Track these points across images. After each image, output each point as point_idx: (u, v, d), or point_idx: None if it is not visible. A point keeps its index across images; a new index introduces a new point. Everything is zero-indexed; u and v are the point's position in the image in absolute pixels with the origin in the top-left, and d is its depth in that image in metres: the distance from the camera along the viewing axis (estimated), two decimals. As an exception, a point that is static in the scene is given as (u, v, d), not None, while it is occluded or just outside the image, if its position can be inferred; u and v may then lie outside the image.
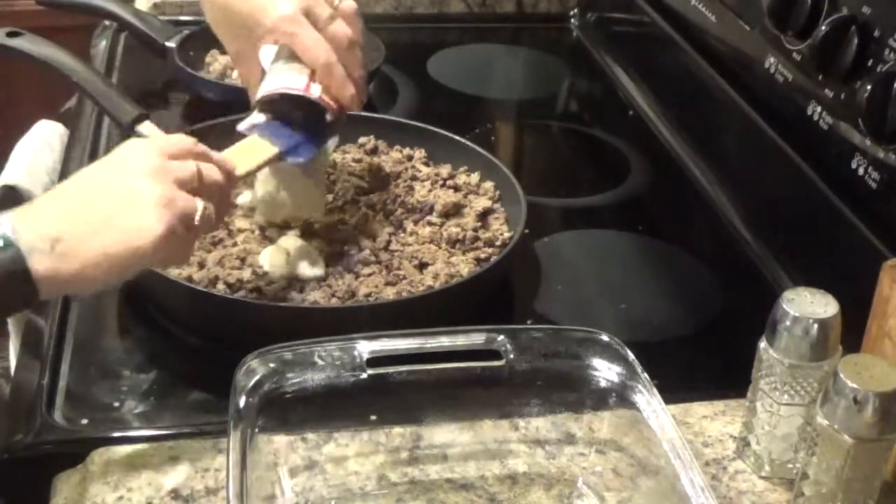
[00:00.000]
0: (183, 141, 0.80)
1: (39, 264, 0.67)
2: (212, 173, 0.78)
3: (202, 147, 0.81)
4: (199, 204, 0.75)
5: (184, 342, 0.91)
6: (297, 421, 0.74)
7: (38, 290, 0.68)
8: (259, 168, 0.91)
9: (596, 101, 1.48)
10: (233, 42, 1.00)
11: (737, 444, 0.79)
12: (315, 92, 0.93)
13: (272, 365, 0.71)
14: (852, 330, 0.74)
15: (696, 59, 1.23)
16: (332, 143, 1.00)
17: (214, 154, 0.82)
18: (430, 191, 1.07)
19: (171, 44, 1.30)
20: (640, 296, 1.02)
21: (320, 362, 0.72)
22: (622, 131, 1.34)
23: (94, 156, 1.15)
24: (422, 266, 0.96)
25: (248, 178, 1.07)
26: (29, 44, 1.08)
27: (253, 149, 0.91)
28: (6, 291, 0.67)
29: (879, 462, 0.69)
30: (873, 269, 0.74)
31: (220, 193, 0.80)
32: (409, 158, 1.13)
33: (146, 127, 1.01)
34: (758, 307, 0.77)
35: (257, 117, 0.93)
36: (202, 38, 1.34)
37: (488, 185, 1.08)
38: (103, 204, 0.72)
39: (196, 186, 0.76)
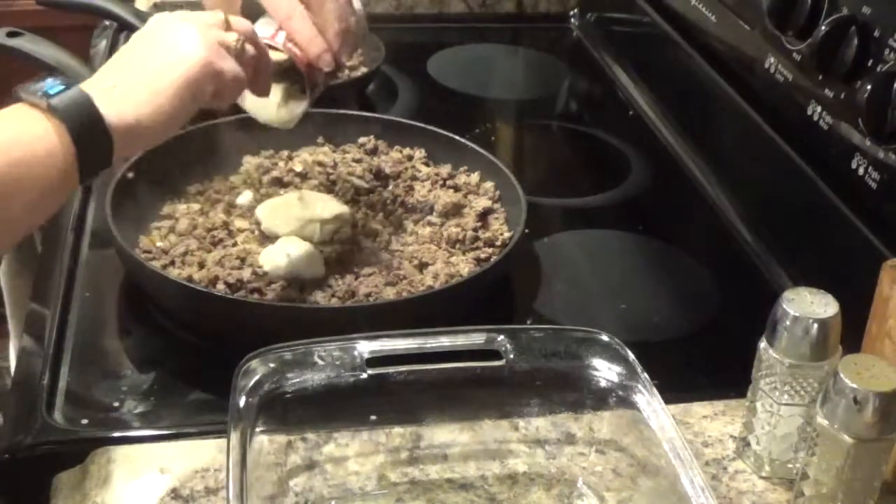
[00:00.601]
0: (210, 11, 0.82)
1: (104, 107, 0.70)
2: (239, 21, 0.82)
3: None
4: (233, 35, 0.79)
5: (184, 342, 0.91)
6: (297, 421, 0.74)
7: (112, 137, 0.70)
8: (275, 66, 0.91)
9: (596, 101, 1.49)
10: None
11: (737, 444, 0.79)
12: (279, 39, 0.92)
13: (272, 365, 0.71)
14: (852, 330, 0.74)
15: (696, 59, 1.23)
16: (303, 104, 0.98)
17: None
18: (430, 191, 1.07)
19: (171, 44, 1.30)
20: (640, 296, 1.02)
21: (320, 362, 0.72)
22: (622, 131, 1.34)
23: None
24: (422, 266, 0.96)
25: (250, 180, 1.08)
26: (29, 44, 1.09)
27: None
28: (85, 137, 0.69)
29: (879, 462, 0.69)
30: (873, 269, 0.74)
31: (252, 39, 0.82)
32: (409, 158, 1.13)
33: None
34: (758, 307, 0.77)
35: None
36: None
37: (488, 185, 1.08)
38: (145, 52, 0.75)
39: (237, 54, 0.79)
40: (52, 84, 0.69)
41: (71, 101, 0.68)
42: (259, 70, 0.84)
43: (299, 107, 0.97)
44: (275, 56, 0.90)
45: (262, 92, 0.87)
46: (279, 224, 0.98)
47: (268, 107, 0.96)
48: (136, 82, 0.73)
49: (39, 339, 0.89)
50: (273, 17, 0.92)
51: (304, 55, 0.92)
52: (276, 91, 0.94)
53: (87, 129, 0.69)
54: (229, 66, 0.78)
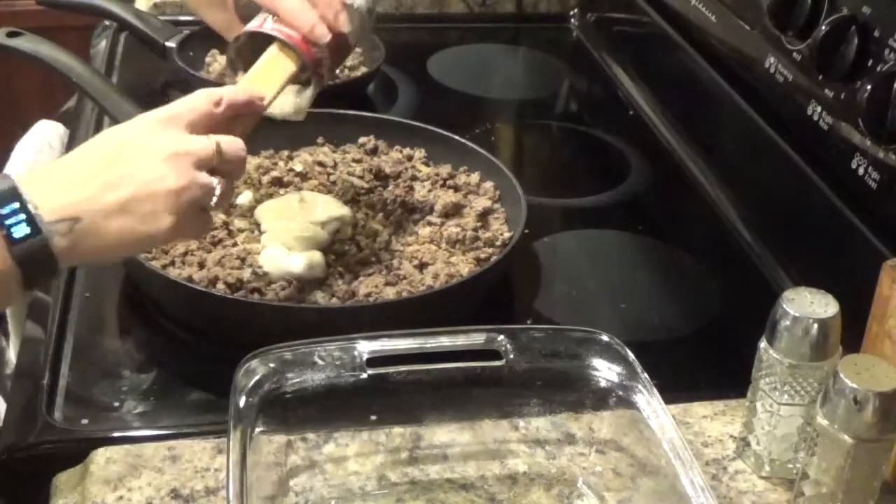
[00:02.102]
0: (201, 104, 0.79)
1: (59, 244, 0.70)
2: (231, 149, 0.79)
3: (224, 99, 0.80)
4: (217, 186, 0.77)
5: (184, 342, 0.91)
6: (297, 421, 0.74)
7: (58, 263, 0.71)
8: (283, 87, 0.90)
9: (596, 101, 1.48)
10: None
11: (737, 444, 0.79)
12: (268, 25, 0.90)
13: (272, 365, 0.71)
14: (852, 330, 0.74)
15: (696, 59, 1.23)
16: (308, 92, 0.96)
17: (240, 93, 0.82)
18: (430, 191, 1.07)
19: (171, 44, 1.30)
20: (640, 296, 1.02)
21: (320, 362, 0.72)
22: (622, 131, 1.34)
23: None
24: (422, 266, 0.96)
25: (250, 180, 1.08)
26: (29, 44, 1.09)
27: (275, 62, 0.90)
28: (31, 267, 0.70)
29: (879, 462, 0.69)
30: (873, 269, 0.74)
31: (239, 165, 0.80)
32: (409, 158, 1.13)
33: None
34: (758, 307, 0.77)
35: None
36: (202, 38, 1.34)
37: (488, 185, 1.08)
38: (121, 188, 0.73)
39: (217, 163, 0.77)
40: (16, 219, 0.69)
41: (30, 252, 0.69)
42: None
43: (305, 98, 0.96)
44: (287, 70, 0.89)
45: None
46: (279, 225, 0.98)
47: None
48: (99, 224, 0.71)
49: (39, 338, 0.89)
50: (263, 2, 0.91)
51: (297, 34, 0.90)
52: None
53: (35, 263, 0.70)
54: (196, 227, 0.77)
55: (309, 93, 0.95)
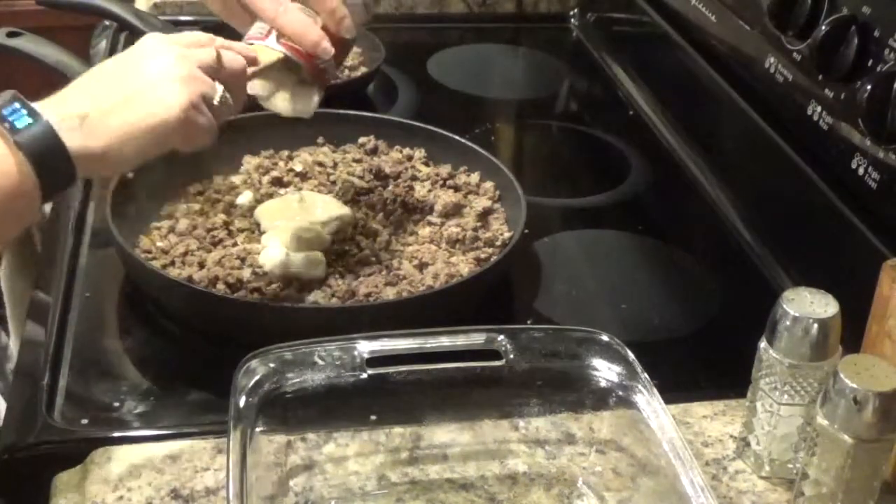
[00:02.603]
0: (201, 34, 0.82)
1: (70, 140, 0.70)
2: (231, 58, 0.81)
3: (221, 39, 0.82)
4: (219, 87, 0.78)
5: (184, 342, 0.91)
6: (297, 421, 0.74)
7: (75, 166, 0.70)
8: (273, 64, 0.90)
9: (596, 101, 1.48)
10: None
11: (737, 444, 0.79)
12: (270, 40, 0.90)
13: (272, 365, 0.71)
14: (852, 330, 0.74)
15: (696, 59, 1.23)
16: (315, 94, 0.96)
17: (235, 44, 0.84)
18: (430, 191, 1.07)
19: (171, 44, 1.30)
20: (640, 296, 1.02)
21: (320, 362, 0.72)
22: (622, 131, 1.34)
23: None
24: (422, 266, 0.96)
25: (250, 180, 1.08)
26: (29, 44, 1.09)
27: (262, 52, 0.90)
28: (48, 170, 0.69)
29: (879, 462, 0.69)
30: (873, 269, 0.74)
31: (239, 80, 0.82)
32: (409, 158, 1.13)
33: None
34: (758, 307, 0.77)
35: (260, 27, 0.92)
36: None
37: (488, 185, 1.08)
38: (126, 84, 0.74)
39: (217, 72, 0.78)
40: (18, 114, 0.69)
41: (36, 139, 0.68)
42: (229, 112, 0.82)
43: (313, 97, 0.96)
44: (272, 56, 0.89)
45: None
46: (279, 225, 0.98)
47: (283, 100, 0.95)
48: (108, 116, 0.72)
49: (39, 339, 0.89)
50: (262, 19, 0.91)
51: (300, 49, 0.90)
52: (289, 84, 0.94)
53: (51, 162, 0.69)
54: (203, 121, 0.77)
55: (316, 94, 0.95)
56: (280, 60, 0.90)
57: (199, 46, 0.80)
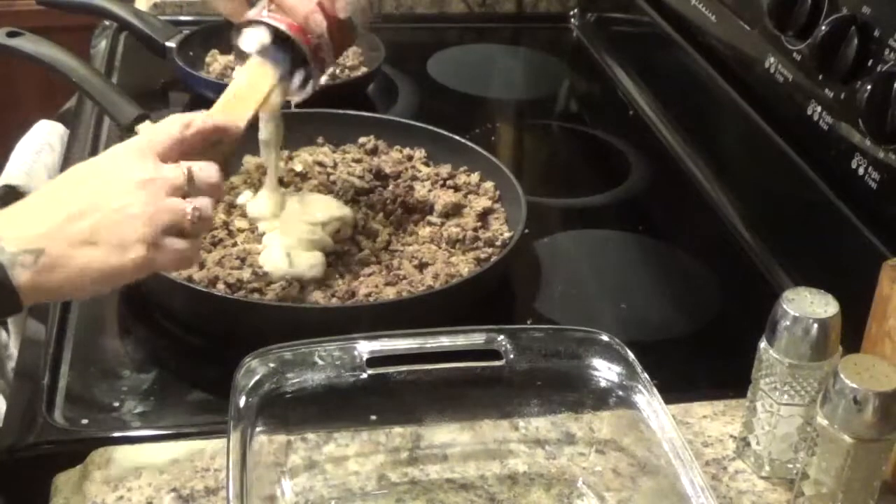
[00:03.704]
0: (171, 130, 0.77)
1: (22, 277, 0.67)
2: (203, 174, 0.76)
3: (194, 124, 0.78)
4: (188, 208, 0.74)
5: (184, 342, 0.91)
6: (297, 421, 0.74)
7: (21, 299, 0.68)
8: (260, 107, 0.89)
9: (596, 101, 1.49)
10: None
11: (737, 444, 0.79)
12: (264, 14, 0.90)
13: (272, 365, 0.71)
14: (852, 330, 0.74)
15: (696, 59, 1.23)
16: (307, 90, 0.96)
17: (211, 121, 0.80)
18: (430, 191, 1.07)
19: (171, 44, 1.30)
20: (640, 296, 1.02)
21: (320, 362, 0.72)
22: (622, 131, 1.34)
23: (94, 156, 1.15)
24: (422, 266, 0.96)
25: (250, 180, 1.08)
26: (29, 44, 1.09)
27: (253, 81, 0.90)
28: None
29: (879, 462, 0.69)
30: (873, 269, 0.74)
31: (214, 192, 0.78)
32: (409, 158, 1.13)
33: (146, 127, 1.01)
34: (758, 307, 0.77)
35: (261, 35, 0.91)
36: (202, 38, 1.34)
37: (488, 185, 1.08)
38: (88, 217, 0.71)
39: (190, 189, 0.75)
40: None
41: None
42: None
43: (309, 85, 0.95)
44: (266, 85, 0.89)
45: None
46: (278, 225, 0.98)
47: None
48: (64, 256, 0.69)
49: (39, 339, 0.89)
50: None
51: (293, 22, 0.90)
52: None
53: None
54: (172, 253, 0.73)
55: (310, 84, 0.95)
56: (273, 90, 0.90)
57: (171, 148, 0.76)
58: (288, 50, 0.91)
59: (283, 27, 0.90)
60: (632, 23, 1.47)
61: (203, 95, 1.27)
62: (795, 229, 1.04)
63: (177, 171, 0.74)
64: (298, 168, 1.09)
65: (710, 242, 1.14)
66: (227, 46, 1.18)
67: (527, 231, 0.99)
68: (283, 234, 0.96)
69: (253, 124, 0.91)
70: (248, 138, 1.09)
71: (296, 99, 0.96)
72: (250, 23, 0.91)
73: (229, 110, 0.86)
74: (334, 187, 1.06)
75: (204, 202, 0.75)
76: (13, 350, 1.06)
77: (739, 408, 0.80)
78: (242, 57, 0.93)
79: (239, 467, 0.64)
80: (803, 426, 0.74)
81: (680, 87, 1.30)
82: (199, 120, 0.79)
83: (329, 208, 0.99)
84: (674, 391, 0.77)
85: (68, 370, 0.86)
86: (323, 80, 1.28)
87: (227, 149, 0.83)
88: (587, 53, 1.54)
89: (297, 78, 0.94)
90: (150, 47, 1.32)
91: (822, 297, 0.72)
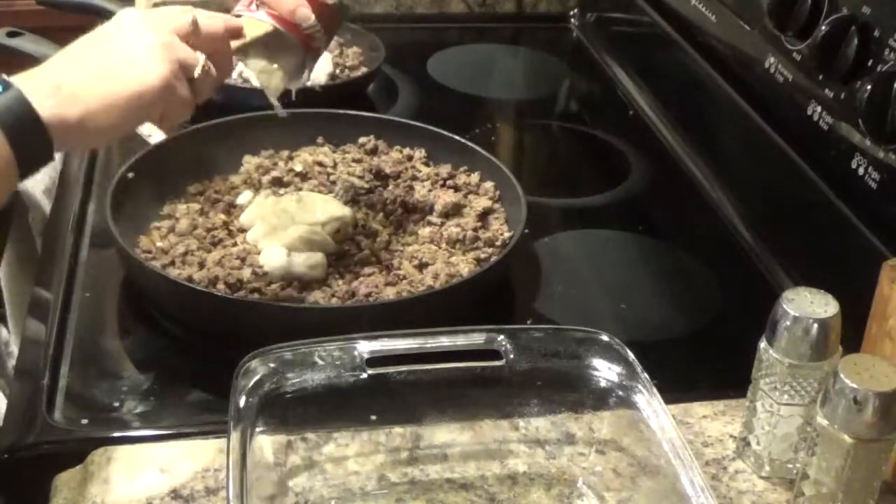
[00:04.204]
0: (179, 6, 0.80)
1: (44, 108, 0.68)
2: (208, 22, 0.78)
3: (200, 10, 0.80)
4: (200, 57, 0.76)
5: (184, 342, 0.91)
6: (297, 421, 0.74)
7: (51, 136, 0.68)
8: (255, 40, 0.90)
9: (596, 101, 1.49)
10: None
11: (737, 444, 0.79)
12: (253, 8, 0.91)
13: (272, 365, 0.71)
14: (852, 330, 0.74)
15: (696, 59, 1.23)
16: (303, 77, 0.97)
17: (218, 14, 0.83)
18: (430, 191, 1.07)
19: (171, 44, 1.30)
20: (640, 296, 1.02)
21: (320, 362, 0.72)
22: (622, 131, 1.34)
23: (94, 156, 1.15)
24: (422, 266, 0.96)
25: (250, 180, 1.08)
26: (29, 44, 1.09)
27: (249, 25, 0.90)
28: (21, 139, 0.67)
29: (879, 462, 0.69)
30: (873, 269, 0.74)
31: (222, 47, 0.80)
32: (409, 158, 1.13)
33: (146, 128, 1.01)
34: (758, 307, 0.77)
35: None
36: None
37: (488, 185, 1.08)
38: (103, 56, 0.72)
39: (196, 38, 0.77)
40: None
41: (7, 108, 0.67)
42: (214, 81, 0.81)
43: (304, 73, 0.96)
44: (259, 28, 0.89)
45: (200, 99, 0.82)
46: (277, 224, 0.98)
47: (272, 75, 0.95)
48: (86, 86, 0.70)
49: (39, 338, 0.89)
50: None
51: (281, 15, 0.91)
52: (278, 60, 0.93)
53: (24, 133, 0.67)
54: (182, 92, 0.75)
55: (305, 72, 0.96)
56: (268, 33, 0.90)
57: (178, 12, 0.78)
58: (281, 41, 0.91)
59: (271, 22, 0.90)
60: (632, 23, 1.47)
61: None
62: (795, 229, 1.04)
63: (184, 17, 0.77)
64: (298, 168, 1.09)
65: (710, 242, 1.14)
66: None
67: (527, 231, 0.99)
68: (284, 234, 0.96)
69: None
70: (247, 138, 1.10)
71: (294, 86, 0.96)
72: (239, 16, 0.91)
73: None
74: (334, 187, 1.06)
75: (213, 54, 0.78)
76: (14, 348, 1.07)
77: (739, 408, 0.80)
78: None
79: (239, 467, 0.64)
80: (803, 426, 0.74)
81: (680, 87, 1.30)
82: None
83: (329, 208, 0.99)
84: (674, 391, 0.77)
85: (68, 370, 0.86)
86: (323, 80, 1.29)
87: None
88: (587, 53, 1.54)
89: (293, 66, 0.94)
90: (150, 47, 1.32)
91: (822, 297, 0.72)
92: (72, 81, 0.70)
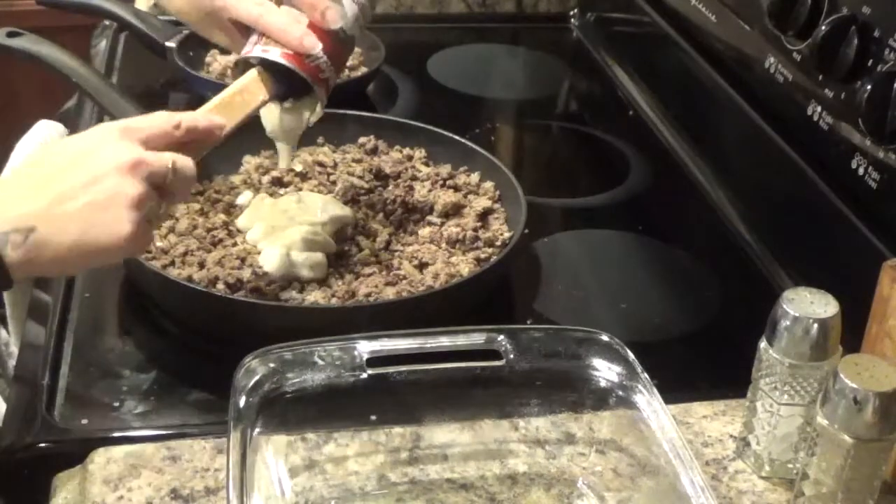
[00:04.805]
0: (161, 122, 0.78)
1: (14, 254, 0.69)
2: (185, 167, 0.77)
3: (183, 124, 0.79)
4: (162, 208, 0.77)
5: (184, 342, 0.91)
6: (297, 421, 0.74)
7: (11, 277, 0.70)
8: (247, 118, 0.89)
9: (596, 101, 1.49)
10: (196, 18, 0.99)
11: (737, 444, 0.79)
12: (257, 49, 0.90)
13: (272, 365, 0.71)
14: (852, 330, 0.74)
15: (696, 59, 1.23)
16: (317, 111, 0.96)
17: (201, 121, 0.81)
18: (430, 191, 1.07)
19: (171, 44, 1.30)
20: (640, 296, 1.02)
21: (320, 362, 0.72)
22: (622, 131, 1.34)
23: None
24: (422, 266, 0.96)
25: (250, 180, 1.08)
26: (29, 44, 1.08)
27: (248, 91, 0.89)
28: None
29: (879, 462, 0.69)
30: (873, 269, 0.74)
31: (186, 186, 0.79)
32: (409, 158, 1.13)
33: None
34: (758, 307, 0.77)
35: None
36: (202, 39, 1.34)
37: (488, 185, 1.08)
38: (78, 198, 0.72)
39: (167, 182, 0.76)
40: None
41: None
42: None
43: (317, 111, 0.95)
44: (256, 100, 0.89)
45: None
46: (276, 225, 0.98)
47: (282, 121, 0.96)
48: (56, 234, 0.70)
49: (39, 338, 0.89)
50: (247, 22, 0.90)
51: (289, 50, 0.89)
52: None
53: None
54: (143, 246, 0.77)
55: (318, 105, 0.95)
56: (262, 105, 0.90)
57: (158, 137, 0.77)
58: (287, 77, 0.91)
59: (279, 60, 0.89)
60: (632, 23, 1.47)
61: (203, 96, 1.27)
62: (795, 229, 1.04)
63: (162, 158, 0.75)
64: (298, 168, 1.09)
65: (710, 242, 1.14)
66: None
67: (527, 231, 0.99)
68: (284, 234, 0.96)
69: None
70: (247, 139, 1.10)
71: (311, 120, 0.96)
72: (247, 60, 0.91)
73: (219, 113, 0.85)
74: (334, 187, 1.06)
75: (172, 200, 0.78)
76: (14, 349, 1.06)
77: (739, 408, 0.80)
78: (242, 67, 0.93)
79: (239, 467, 0.64)
80: (803, 426, 0.74)
81: (680, 87, 1.30)
82: (189, 118, 0.80)
83: (329, 208, 0.99)
84: (674, 391, 0.77)
85: (68, 370, 0.86)
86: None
87: (204, 150, 0.83)
88: (587, 53, 1.54)
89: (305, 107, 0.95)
90: (150, 47, 1.32)
91: (822, 297, 0.72)
92: (44, 227, 0.70)
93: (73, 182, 0.72)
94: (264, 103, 0.90)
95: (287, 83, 0.92)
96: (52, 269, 0.73)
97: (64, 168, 0.73)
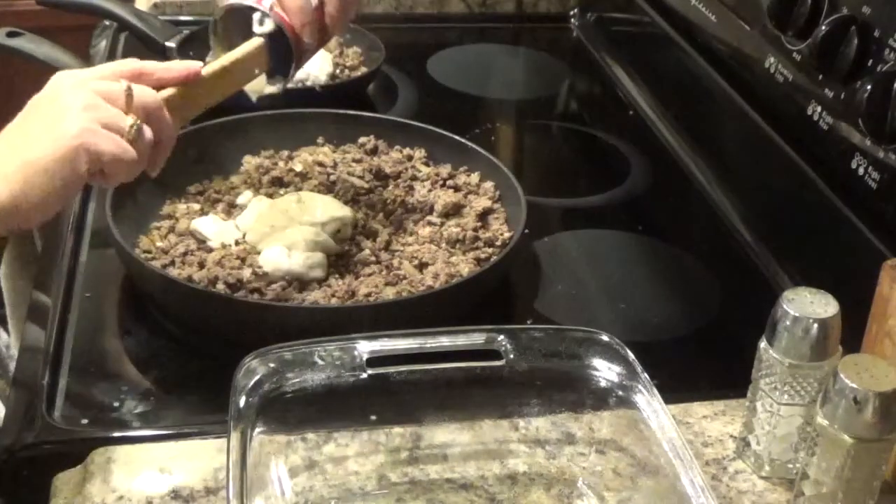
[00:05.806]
0: (121, 64, 0.79)
1: None
2: (142, 93, 0.77)
3: (150, 65, 0.79)
4: (129, 118, 0.75)
5: (184, 342, 0.91)
6: (297, 421, 0.74)
7: None
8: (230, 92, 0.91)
9: (596, 101, 1.49)
10: None
11: (737, 444, 0.79)
12: (266, 2, 0.93)
13: (272, 365, 0.71)
14: (852, 330, 0.74)
15: (696, 59, 1.23)
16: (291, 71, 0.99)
17: (171, 64, 0.82)
18: (430, 191, 1.07)
19: (171, 44, 1.30)
20: (640, 296, 1.02)
21: (320, 362, 0.72)
22: (622, 131, 1.34)
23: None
24: (422, 266, 0.96)
25: (250, 180, 1.08)
26: (29, 44, 1.09)
27: (247, 61, 0.92)
28: None
29: (879, 462, 0.69)
30: (873, 269, 0.74)
31: (154, 113, 0.78)
32: (409, 158, 1.13)
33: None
34: (758, 307, 0.77)
35: (267, 25, 0.95)
36: (202, 38, 1.34)
37: (488, 185, 1.08)
38: (25, 127, 0.73)
39: (124, 103, 0.76)
40: None
41: None
42: (158, 151, 0.80)
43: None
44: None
45: (154, 170, 0.81)
46: (276, 226, 0.98)
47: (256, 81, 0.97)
48: (7, 155, 0.71)
49: (39, 339, 0.89)
50: None
51: (291, 22, 0.94)
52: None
53: None
54: (108, 147, 0.73)
55: (291, 70, 0.99)
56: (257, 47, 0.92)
57: (114, 79, 0.77)
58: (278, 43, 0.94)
59: (285, 28, 0.92)
60: (632, 23, 1.47)
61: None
62: (795, 229, 1.04)
63: (115, 85, 0.76)
64: (298, 168, 1.09)
65: (710, 242, 1.14)
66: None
67: (527, 231, 0.99)
68: (284, 234, 0.96)
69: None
70: (247, 139, 1.10)
71: (269, 89, 0.98)
72: (253, 9, 0.93)
73: (217, 80, 0.87)
74: (334, 187, 1.06)
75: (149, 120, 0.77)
76: (14, 350, 1.06)
77: (739, 408, 0.80)
78: (215, 31, 0.95)
79: (239, 467, 0.64)
80: (803, 426, 0.74)
81: (680, 87, 1.30)
82: (153, 68, 0.80)
83: (329, 208, 0.99)
84: (674, 391, 0.77)
85: (68, 370, 0.86)
86: (323, 80, 1.30)
87: (187, 112, 0.84)
88: (587, 53, 1.54)
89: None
90: (150, 47, 1.32)
91: (822, 297, 0.72)
92: None
93: (25, 120, 0.74)
94: (257, 76, 0.92)
95: (276, 57, 0.95)
96: (19, 202, 0.70)
97: (19, 118, 0.75)
